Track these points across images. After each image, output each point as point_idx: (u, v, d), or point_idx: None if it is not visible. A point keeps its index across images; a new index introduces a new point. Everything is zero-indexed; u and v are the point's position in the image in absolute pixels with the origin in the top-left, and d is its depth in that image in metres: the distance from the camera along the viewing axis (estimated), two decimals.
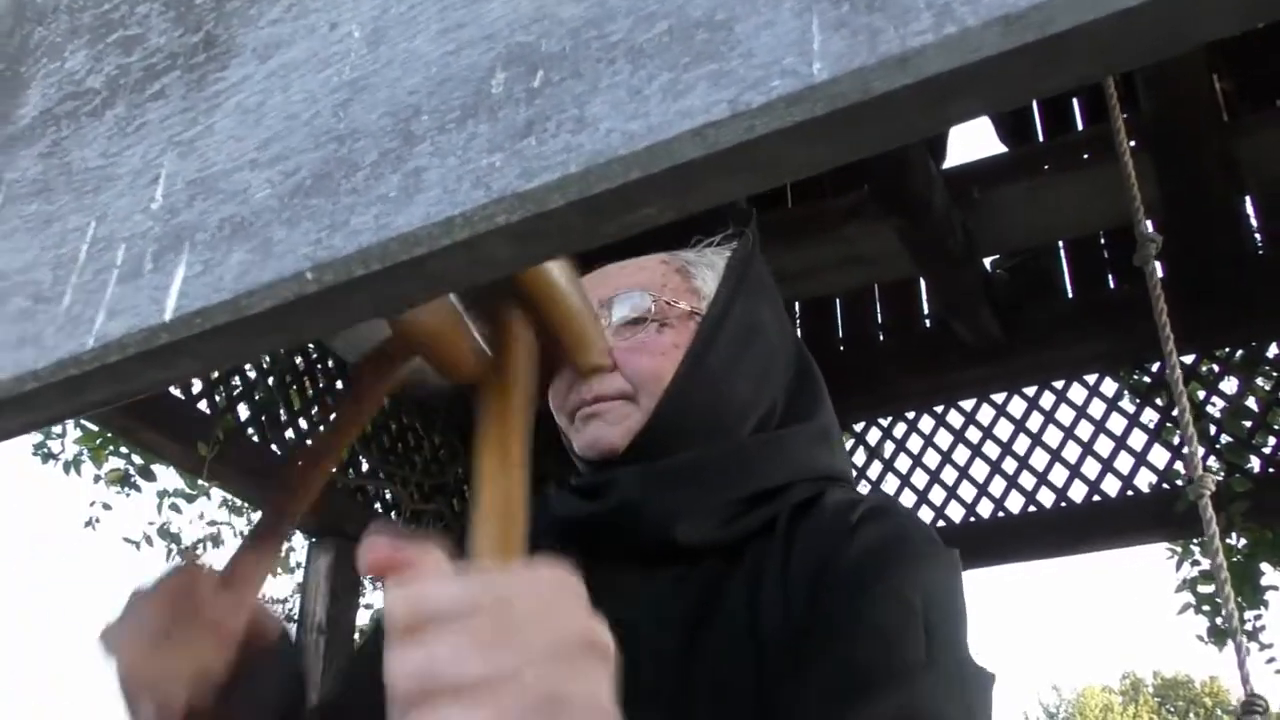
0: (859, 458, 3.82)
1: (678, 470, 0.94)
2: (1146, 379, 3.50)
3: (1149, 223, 1.59)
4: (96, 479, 3.95)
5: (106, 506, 4.25)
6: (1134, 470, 3.43)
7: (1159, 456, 3.42)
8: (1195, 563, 3.79)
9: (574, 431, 1.01)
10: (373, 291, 0.37)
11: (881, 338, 3.76)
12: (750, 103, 0.32)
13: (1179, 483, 3.31)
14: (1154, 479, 3.40)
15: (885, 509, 0.90)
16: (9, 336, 0.42)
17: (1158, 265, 1.53)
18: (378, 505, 3.22)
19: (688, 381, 0.96)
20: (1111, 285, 3.45)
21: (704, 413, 0.96)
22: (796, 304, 3.78)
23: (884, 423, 3.84)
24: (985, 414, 3.71)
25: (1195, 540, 3.76)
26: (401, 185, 0.36)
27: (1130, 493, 3.40)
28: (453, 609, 0.47)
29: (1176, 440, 3.39)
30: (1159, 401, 3.45)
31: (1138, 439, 3.46)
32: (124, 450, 3.89)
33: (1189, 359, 3.36)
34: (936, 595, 0.85)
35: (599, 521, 0.96)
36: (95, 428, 3.60)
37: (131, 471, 3.94)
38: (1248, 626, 3.55)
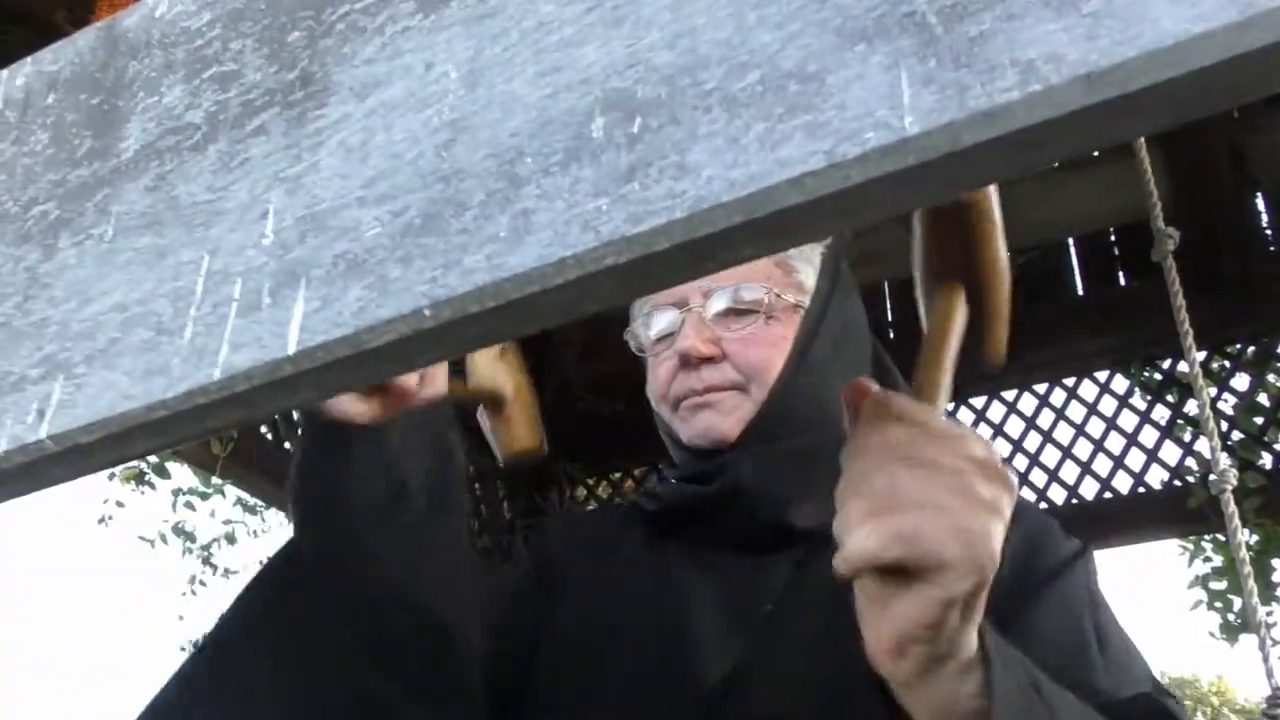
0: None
1: (790, 455, 0.98)
2: (1158, 375, 3.52)
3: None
4: (111, 476, 4.00)
5: (120, 504, 4.31)
6: (1145, 467, 3.46)
7: (1170, 453, 3.47)
8: (1208, 559, 3.83)
9: (679, 420, 1.04)
10: (485, 327, 0.39)
11: (892, 335, 3.78)
12: (846, 154, 0.34)
13: (1190, 479, 3.34)
14: (1166, 475, 3.44)
15: (1020, 506, 0.93)
16: (136, 366, 0.45)
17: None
18: None
19: (795, 373, 1.00)
20: (1123, 282, 3.47)
21: (810, 404, 1.00)
22: None
23: None
24: (996, 411, 3.74)
25: (1208, 536, 3.79)
26: (511, 226, 0.39)
27: (1142, 489, 3.43)
28: (915, 416, 0.65)
29: (1188, 437, 3.41)
30: (1170, 398, 3.47)
31: (1149, 436, 3.49)
32: None
33: (1200, 355, 3.39)
34: (1098, 590, 0.89)
35: (709, 505, 0.99)
36: None
37: (146, 469, 3.98)
38: (1263, 623, 3.59)
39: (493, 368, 0.96)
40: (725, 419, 1.00)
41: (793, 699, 0.88)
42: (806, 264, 1.08)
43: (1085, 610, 0.89)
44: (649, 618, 0.98)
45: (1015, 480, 0.66)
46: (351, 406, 0.82)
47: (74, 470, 0.46)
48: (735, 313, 1.03)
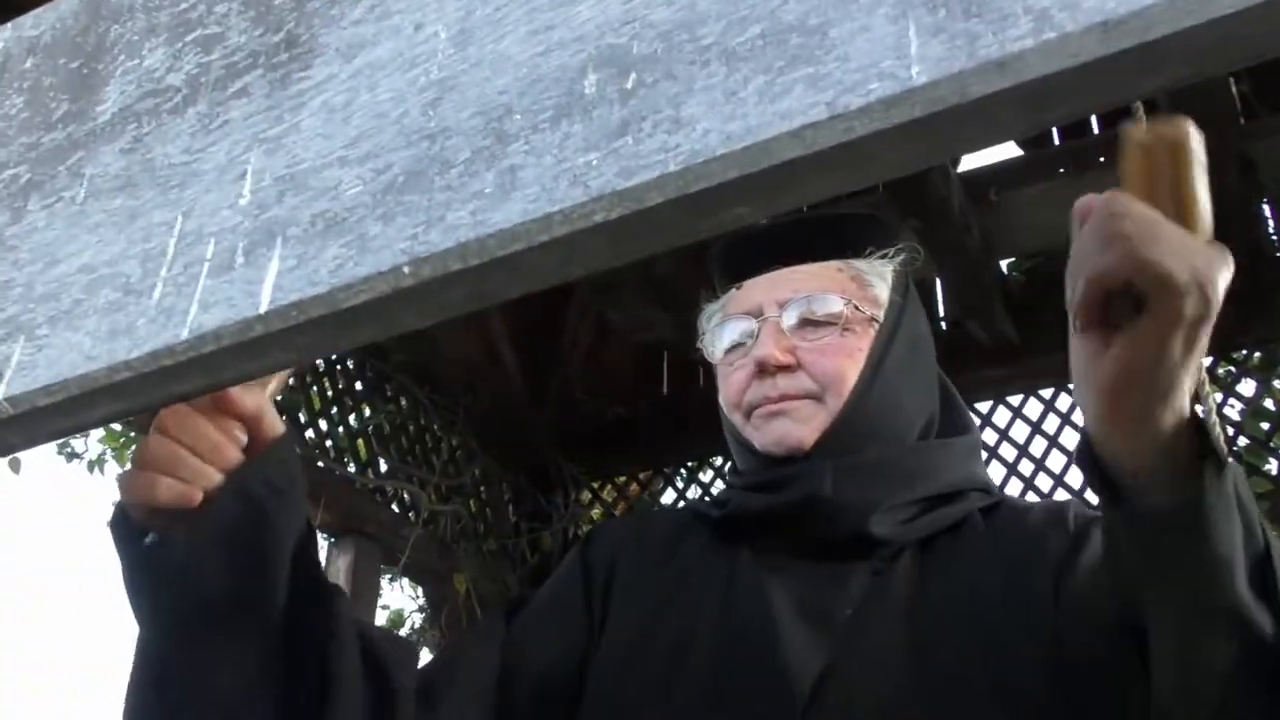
0: None
1: (869, 466, 0.99)
2: None
3: None
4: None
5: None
6: None
7: None
8: None
9: (751, 428, 1.04)
10: (468, 286, 0.38)
11: None
12: (848, 104, 0.33)
13: None
14: None
15: (1097, 514, 0.95)
16: (101, 327, 0.43)
17: None
18: (395, 506, 3.23)
19: (871, 385, 1.01)
20: None
21: (883, 417, 1.01)
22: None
23: None
24: (1001, 416, 3.72)
25: None
26: (497, 182, 0.37)
27: None
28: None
29: None
30: None
31: None
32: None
33: (1207, 361, 3.39)
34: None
35: (785, 513, 0.99)
36: (119, 427, 3.61)
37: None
38: None
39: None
40: (801, 427, 1.00)
41: (878, 708, 0.88)
42: (879, 278, 1.08)
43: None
44: (723, 623, 0.97)
45: (1230, 254, 0.69)
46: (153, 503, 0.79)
47: (32, 435, 0.44)
48: (811, 323, 1.03)
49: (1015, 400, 3.69)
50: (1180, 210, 0.72)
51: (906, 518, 0.98)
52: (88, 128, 0.50)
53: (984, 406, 3.72)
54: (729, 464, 1.14)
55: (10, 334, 0.45)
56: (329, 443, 3.09)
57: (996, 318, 3.27)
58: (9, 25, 0.56)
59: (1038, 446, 3.61)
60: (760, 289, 1.07)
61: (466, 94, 0.40)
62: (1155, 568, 0.71)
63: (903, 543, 0.97)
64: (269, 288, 0.40)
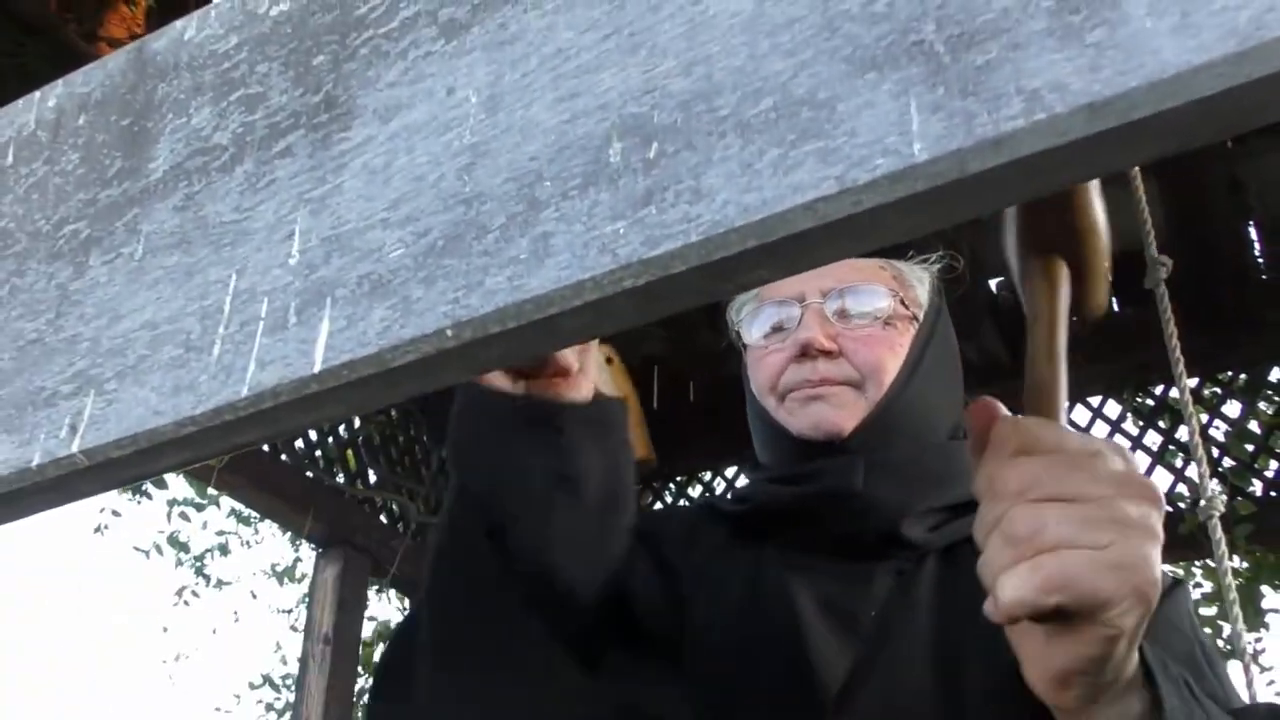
0: None
1: (899, 464, 0.99)
2: (1150, 401, 3.53)
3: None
4: None
5: (116, 513, 4.33)
6: None
7: (1162, 479, 3.47)
8: (1198, 584, 3.83)
9: (786, 412, 1.04)
10: (506, 347, 0.41)
11: None
12: (856, 179, 0.35)
13: (1182, 505, 3.35)
14: None
15: None
16: (165, 383, 0.46)
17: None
18: (384, 517, 3.28)
19: (909, 380, 1.02)
20: (1115, 309, 3.48)
21: (917, 414, 1.02)
22: None
23: None
24: None
25: (1198, 563, 3.80)
26: (531, 249, 0.40)
27: None
28: (1047, 443, 0.64)
29: (1179, 463, 3.42)
30: (1162, 424, 3.48)
31: (1141, 461, 3.49)
32: None
33: (1192, 382, 3.42)
34: (1192, 609, 0.91)
35: (811, 507, 1.00)
36: None
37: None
38: (1250, 649, 3.63)
39: (599, 380, 0.95)
40: (839, 412, 1.01)
41: (904, 708, 0.89)
42: (918, 281, 1.10)
43: (1191, 631, 0.91)
44: (746, 620, 0.98)
45: (1160, 492, 0.65)
46: (509, 384, 0.85)
47: (104, 484, 0.48)
48: (854, 314, 1.05)
49: None
50: (1074, 250, 0.77)
51: (934, 524, 0.99)
52: (141, 185, 0.53)
53: None
54: (745, 462, 1.14)
55: (81, 387, 0.48)
56: (318, 453, 3.14)
57: (986, 337, 3.29)
58: (60, 82, 0.59)
59: None
60: (804, 277, 1.07)
61: (499, 160, 0.43)
62: None
63: (928, 548, 0.98)
64: (321, 347, 0.43)
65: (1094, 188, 0.78)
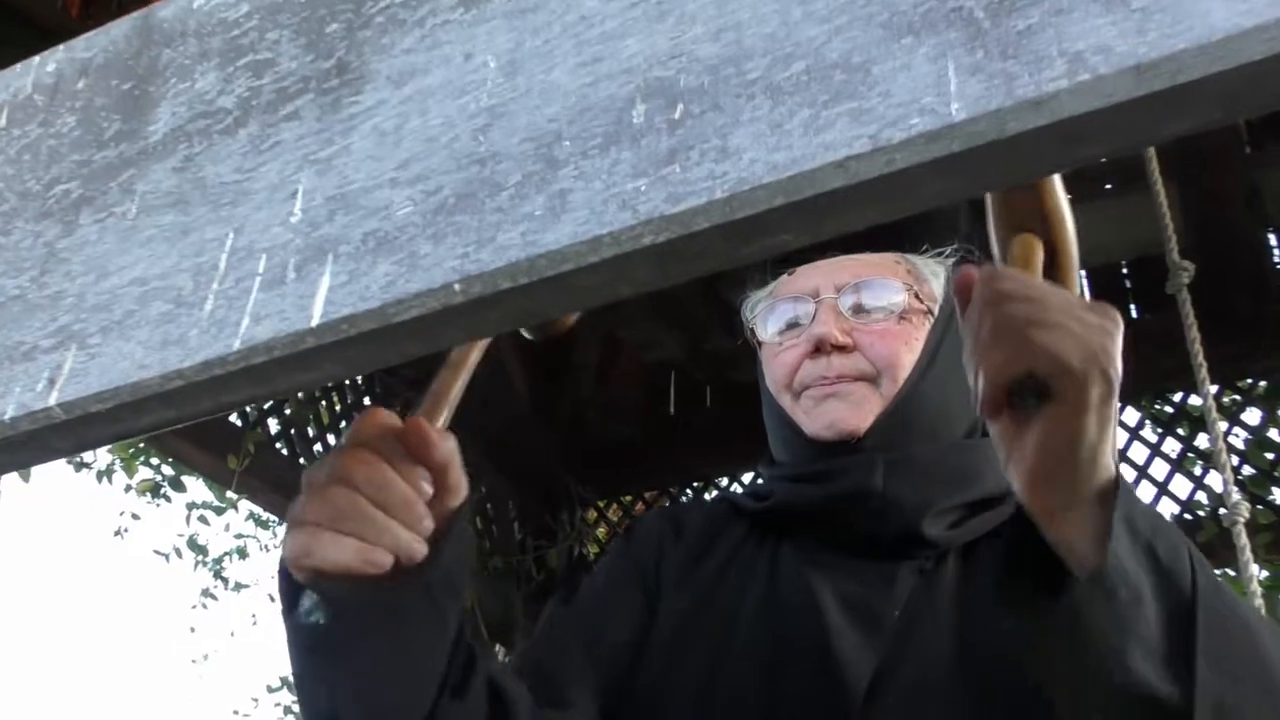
0: None
1: (918, 463, 0.97)
2: (1169, 409, 3.52)
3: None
4: (128, 489, 3.98)
5: (136, 516, 4.28)
6: (1155, 500, 3.44)
7: (1181, 487, 3.43)
8: None
9: (801, 410, 1.02)
10: (516, 305, 0.39)
11: None
12: (890, 138, 0.34)
13: (1201, 513, 3.33)
14: (1176, 509, 3.41)
15: None
16: (153, 337, 0.44)
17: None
18: None
19: (925, 374, 1.00)
20: (1134, 315, 3.48)
21: (935, 409, 1.00)
22: None
23: None
24: None
25: (1218, 571, 3.77)
26: (547, 205, 0.39)
27: None
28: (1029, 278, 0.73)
29: (1199, 470, 3.41)
30: (1181, 431, 3.47)
31: (1160, 469, 3.47)
32: (155, 461, 3.92)
33: (1212, 389, 3.42)
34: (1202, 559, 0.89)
35: (833, 506, 0.98)
36: None
37: (162, 482, 3.96)
38: None
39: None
40: (854, 411, 0.99)
41: (930, 707, 0.87)
42: (934, 275, 1.09)
43: (1191, 557, 0.89)
44: (768, 619, 0.96)
45: (1117, 313, 0.72)
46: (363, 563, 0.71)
47: (81, 440, 0.45)
48: (869, 310, 1.03)
49: None
50: (1045, 230, 0.84)
51: (954, 521, 0.97)
52: (139, 146, 0.52)
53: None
54: (765, 457, 1.11)
55: (63, 342, 0.46)
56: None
57: None
58: (61, 47, 0.58)
59: None
60: (818, 273, 1.06)
61: (516, 121, 0.42)
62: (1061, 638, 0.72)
63: (948, 546, 0.96)
64: (320, 302, 0.41)
65: (1056, 178, 0.85)
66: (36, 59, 0.59)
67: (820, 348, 1.01)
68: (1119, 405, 0.71)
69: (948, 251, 1.11)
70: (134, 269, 0.47)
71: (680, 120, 0.38)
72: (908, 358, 1.01)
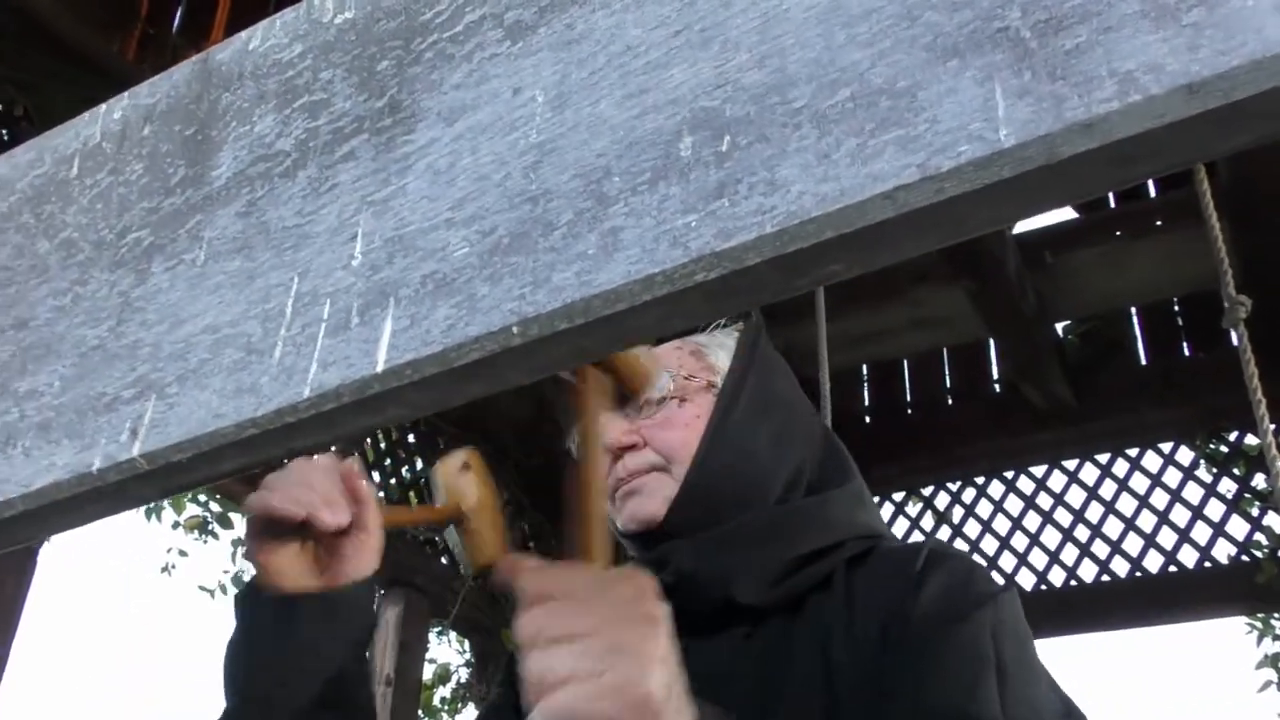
0: (927, 522, 3.81)
1: (728, 535, 1.03)
2: (1224, 448, 3.45)
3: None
4: (175, 525, 4.07)
5: (183, 553, 4.39)
6: (1212, 541, 3.39)
7: (1238, 528, 3.38)
8: (1278, 637, 3.72)
9: (615, 511, 1.09)
10: (573, 344, 0.40)
11: (950, 400, 3.75)
12: (939, 166, 0.34)
13: (1259, 554, 3.26)
14: (1233, 550, 3.36)
15: (945, 554, 0.99)
16: (227, 385, 0.45)
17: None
18: (444, 559, 3.29)
19: (713, 447, 1.06)
20: (1186, 352, 3.42)
21: (733, 476, 1.06)
22: (864, 366, 3.79)
23: (952, 487, 3.83)
24: (1057, 480, 3.67)
25: (1277, 614, 3.70)
26: (600, 244, 0.39)
27: (1208, 564, 3.36)
28: (555, 589, 0.71)
29: (1256, 511, 3.34)
30: (1237, 471, 3.41)
31: (1215, 509, 3.41)
32: (202, 498, 3.99)
33: (1270, 427, 3.35)
34: (1006, 636, 0.91)
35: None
36: None
37: (209, 519, 4.05)
38: None
39: (458, 481, 1.04)
40: (649, 500, 1.05)
41: None
42: (719, 349, 1.13)
43: (988, 647, 0.91)
44: None
45: (662, 611, 0.72)
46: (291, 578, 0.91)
47: (164, 488, 0.47)
48: (650, 403, 1.08)
49: (1071, 464, 3.65)
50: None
51: (774, 580, 1.01)
52: (204, 192, 0.53)
53: (1039, 470, 3.69)
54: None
55: (142, 392, 0.48)
56: (381, 494, 3.16)
57: (1051, 381, 3.25)
58: (126, 95, 0.60)
59: (1094, 512, 3.57)
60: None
61: (565, 157, 0.42)
62: None
63: (771, 605, 1.01)
64: (384, 347, 0.42)
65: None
66: (103, 107, 0.60)
67: (615, 455, 1.07)
68: None
69: (724, 323, 1.15)
70: (205, 316, 0.49)
71: (728, 152, 0.38)
72: (691, 439, 1.05)
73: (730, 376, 1.10)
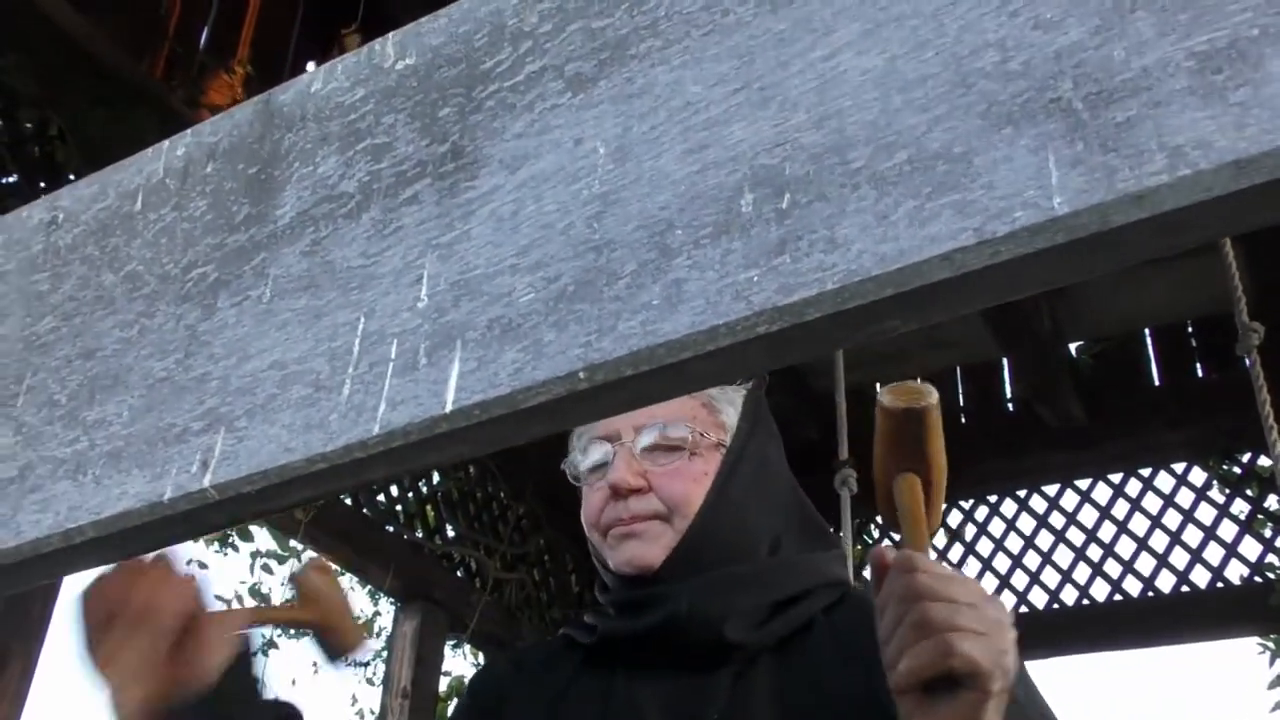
0: (939, 539, 3.83)
1: (720, 581, 1.09)
2: (1237, 469, 3.48)
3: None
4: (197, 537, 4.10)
5: (203, 565, 4.43)
6: (1224, 561, 3.41)
7: (1251, 549, 3.40)
8: None
9: (608, 548, 1.15)
10: (638, 389, 0.41)
11: (963, 419, 3.77)
12: (995, 231, 0.36)
13: (1272, 575, 3.28)
14: (1246, 571, 3.38)
15: None
16: (296, 421, 0.47)
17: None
18: (461, 572, 3.31)
19: (716, 507, 1.12)
20: (1200, 373, 3.45)
21: (728, 534, 1.12)
22: (878, 385, 3.81)
23: (966, 505, 3.85)
24: (1070, 499, 3.70)
25: None
26: (664, 295, 0.41)
27: (1220, 584, 3.38)
28: (937, 569, 0.87)
29: (1269, 532, 3.37)
30: (1250, 492, 3.43)
31: (1228, 530, 3.44)
32: None
33: None
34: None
35: (652, 635, 1.11)
36: None
37: (230, 531, 4.08)
38: None
39: (316, 584, 1.12)
40: (650, 547, 1.10)
41: None
42: (729, 405, 1.18)
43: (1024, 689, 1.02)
44: None
45: (1009, 605, 0.84)
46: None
47: (234, 518, 0.49)
48: (662, 448, 1.13)
49: (1084, 484, 3.67)
50: (925, 470, 0.98)
51: (759, 621, 1.07)
52: (268, 230, 0.55)
53: (1051, 489, 3.72)
54: (596, 580, 1.24)
55: (211, 425, 0.50)
56: (399, 508, 3.18)
57: (1065, 400, 3.28)
58: (189, 132, 0.62)
59: (1107, 531, 3.59)
60: (619, 416, 1.15)
61: (629, 208, 0.44)
62: None
63: (759, 646, 1.07)
64: (453, 388, 0.44)
65: (940, 427, 1.01)
66: (166, 143, 0.62)
67: (617, 492, 1.11)
68: None
69: (744, 379, 1.20)
70: (272, 352, 0.50)
71: (788, 210, 0.40)
72: (697, 493, 1.11)
73: (737, 438, 1.16)
